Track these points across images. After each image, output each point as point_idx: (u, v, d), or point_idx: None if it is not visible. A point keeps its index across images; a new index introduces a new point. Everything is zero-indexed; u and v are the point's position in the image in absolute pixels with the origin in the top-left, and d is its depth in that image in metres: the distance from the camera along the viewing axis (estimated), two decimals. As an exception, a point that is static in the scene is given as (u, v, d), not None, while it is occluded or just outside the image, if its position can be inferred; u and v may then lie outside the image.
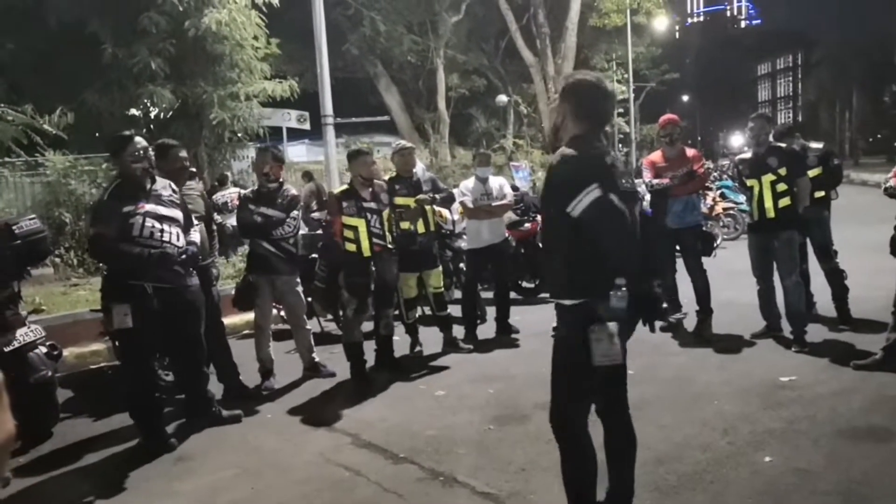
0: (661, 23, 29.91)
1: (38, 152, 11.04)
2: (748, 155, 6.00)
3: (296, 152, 21.92)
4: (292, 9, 12.98)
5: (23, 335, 4.56)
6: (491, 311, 6.92)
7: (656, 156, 6.46)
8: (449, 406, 4.82)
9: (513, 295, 7.33)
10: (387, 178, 6.16)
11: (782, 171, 5.60)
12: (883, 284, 5.39)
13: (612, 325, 2.57)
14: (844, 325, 6.10)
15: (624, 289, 2.54)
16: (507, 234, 6.97)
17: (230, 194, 10.25)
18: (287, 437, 4.44)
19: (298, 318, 5.68)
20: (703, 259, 6.27)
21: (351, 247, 5.44)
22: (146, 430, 4.35)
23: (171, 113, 12.03)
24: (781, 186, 5.61)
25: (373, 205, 5.47)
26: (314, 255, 6.75)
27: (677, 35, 78.90)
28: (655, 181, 6.18)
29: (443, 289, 6.42)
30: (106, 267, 4.67)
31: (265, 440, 4.41)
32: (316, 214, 9.26)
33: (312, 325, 6.73)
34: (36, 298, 7.44)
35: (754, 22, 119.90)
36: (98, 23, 11.24)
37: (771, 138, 5.91)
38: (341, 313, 6.25)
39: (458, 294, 7.49)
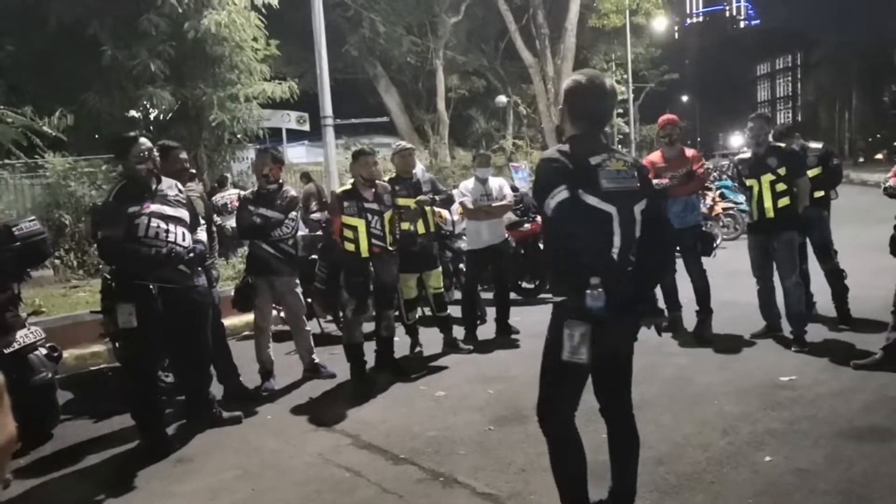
0: (660, 23, 29.95)
1: (37, 154, 11.04)
2: (748, 155, 6.01)
3: (295, 153, 21.91)
4: (291, 10, 12.99)
5: (23, 337, 4.56)
6: (491, 312, 6.92)
7: (656, 156, 6.47)
8: (449, 407, 4.82)
9: (513, 295, 7.33)
10: (386, 178, 6.16)
11: (782, 171, 5.60)
12: (883, 284, 5.39)
13: (582, 325, 2.61)
14: (844, 324, 6.11)
15: (599, 289, 2.56)
16: (506, 235, 6.97)
17: (230, 196, 10.25)
18: (287, 439, 4.44)
19: (298, 319, 5.68)
20: (703, 259, 6.27)
21: (350, 247, 5.44)
22: (147, 431, 4.35)
23: (170, 115, 12.05)
24: (781, 186, 5.61)
25: (374, 206, 5.47)
26: (314, 256, 6.75)
27: (676, 35, 79.04)
28: (655, 181, 6.17)
29: (443, 289, 6.42)
30: (108, 268, 4.67)
31: (265, 441, 4.41)
32: (315, 215, 9.26)
33: (312, 326, 6.73)
34: (36, 300, 7.46)
35: (753, 22, 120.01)
36: (98, 25, 11.24)
37: (770, 138, 5.92)
38: (341, 314, 6.26)
39: (458, 295, 7.50)
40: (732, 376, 5.01)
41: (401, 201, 5.86)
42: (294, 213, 5.57)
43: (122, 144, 4.36)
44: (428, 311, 6.84)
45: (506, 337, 6.60)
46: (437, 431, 4.32)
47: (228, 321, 6.17)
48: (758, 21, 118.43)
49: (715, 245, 6.97)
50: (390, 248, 5.56)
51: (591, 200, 2.64)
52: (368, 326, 6.04)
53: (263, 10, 12.17)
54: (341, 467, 3.90)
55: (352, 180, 5.63)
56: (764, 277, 5.90)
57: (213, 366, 5.10)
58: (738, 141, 45.08)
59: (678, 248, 6.35)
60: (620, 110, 33.50)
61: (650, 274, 2.83)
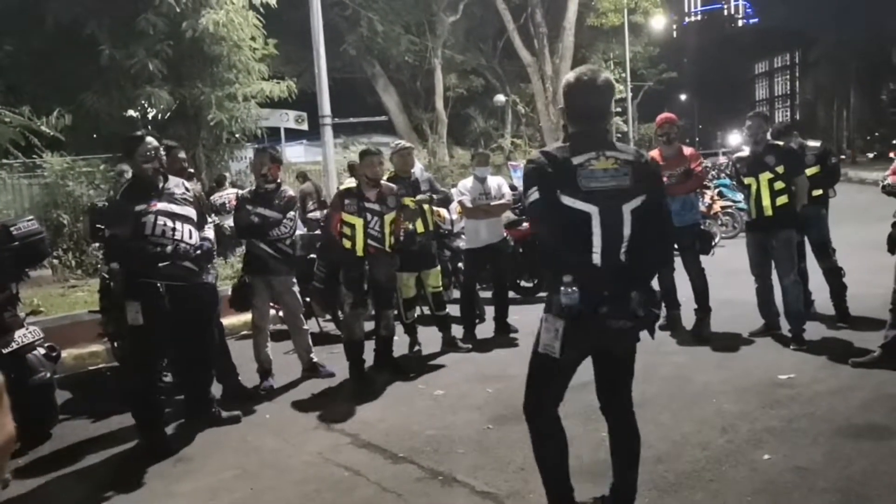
0: (658, 22, 29.95)
1: (35, 154, 11.03)
2: (746, 153, 6.01)
3: (294, 153, 21.91)
4: (290, 9, 12.98)
5: (21, 337, 4.56)
6: (489, 311, 6.93)
7: (654, 155, 6.46)
8: (448, 406, 4.82)
9: (511, 294, 7.33)
10: (385, 177, 6.16)
11: (780, 170, 5.60)
12: (881, 282, 5.40)
13: (557, 320, 2.66)
14: (843, 322, 6.12)
15: (573, 287, 2.58)
16: (505, 234, 6.97)
17: (228, 195, 10.23)
18: (286, 438, 4.43)
19: (296, 318, 5.68)
20: (702, 258, 6.28)
21: (347, 244, 5.44)
22: (146, 430, 4.36)
23: (168, 114, 12.02)
24: (779, 185, 5.61)
25: (376, 206, 5.45)
26: (312, 256, 6.75)
27: (675, 34, 79.10)
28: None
29: (441, 288, 6.43)
30: (107, 267, 4.68)
31: (264, 441, 4.41)
32: (314, 214, 9.26)
33: (311, 325, 6.74)
34: (34, 300, 7.45)
35: (752, 21, 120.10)
36: (95, 24, 11.22)
37: (769, 137, 5.92)
38: (340, 313, 6.25)
39: (456, 294, 7.50)
40: (731, 375, 5.02)
41: (399, 200, 5.86)
42: (292, 213, 5.57)
43: (129, 144, 4.39)
44: (427, 310, 6.84)
45: (504, 336, 6.60)
46: (435, 430, 4.33)
47: (227, 320, 6.17)
48: (756, 20, 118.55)
49: (713, 243, 6.98)
50: (387, 251, 5.55)
51: (568, 201, 2.65)
52: (368, 326, 6.05)
53: (261, 10, 12.15)
54: (340, 466, 3.90)
55: (350, 179, 5.63)
56: (762, 276, 5.90)
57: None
58: (736, 139, 45.10)
59: (677, 247, 6.36)
60: (619, 109, 33.54)
61: (640, 274, 2.77)
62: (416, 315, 6.47)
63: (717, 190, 13.07)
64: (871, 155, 46.88)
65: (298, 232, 6.23)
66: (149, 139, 4.35)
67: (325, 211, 7.79)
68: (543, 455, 2.92)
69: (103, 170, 11.14)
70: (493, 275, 6.93)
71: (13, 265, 4.62)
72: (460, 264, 7.59)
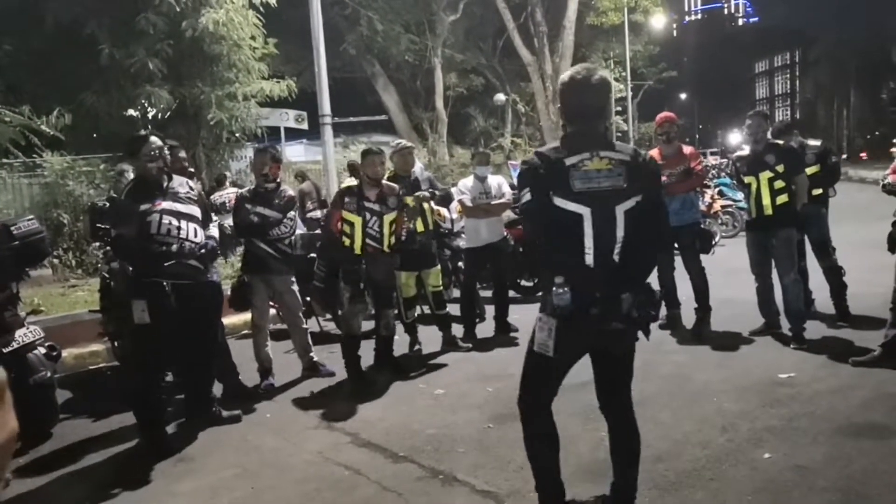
0: (658, 21, 29.96)
1: (35, 153, 11.03)
2: (746, 152, 6.01)
3: (294, 152, 21.90)
4: (289, 9, 12.98)
5: (21, 336, 4.56)
6: (490, 310, 6.93)
7: (653, 153, 6.46)
8: (448, 405, 4.83)
9: (511, 293, 7.34)
10: (385, 176, 6.15)
11: (780, 169, 5.60)
12: (881, 281, 5.40)
13: (550, 320, 2.68)
14: (843, 321, 6.12)
15: (565, 288, 2.60)
16: (505, 233, 6.97)
17: (228, 194, 10.23)
18: (287, 437, 4.44)
19: (295, 317, 5.69)
20: (702, 257, 6.28)
21: (347, 241, 5.44)
22: (147, 429, 4.36)
23: (168, 113, 12.02)
24: (779, 183, 5.61)
25: (376, 206, 5.45)
26: (312, 255, 6.75)
27: (675, 33, 79.08)
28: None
29: (441, 287, 6.43)
30: (107, 266, 4.68)
31: (265, 440, 4.41)
32: (315, 213, 9.26)
33: (311, 324, 6.74)
34: (34, 299, 7.46)
35: (752, 20, 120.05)
36: (95, 24, 11.22)
37: (769, 135, 5.92)
38: (340, 312, 6.25)
39: (456, 293, 7.49)
40: (731, 374, 5.02)
41: (399, 199, 5.87)
42: (292, 213, 5.58)
43: (133, 144, 4.41)
44: (427, 310, 6.84)
45: (505, 335, 6.60)
46: (436, 429, 4.33)
47: (227, 320, 6.17)
48: (756, 18, 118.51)
49: (713, 243, 6.98)
50: (385, 251, 5.55)
51: (560, 202, 2.65)
52: (368, 325, 6.05)
53: (261, 9, 12.15)
54: (341, 465, 3.90)
55: (351, 178, 5.63)
56: (763, 275, 5.90)
57: (211, 364, 5.10)
58: (736, 138, 45.08)
59: (677, 246, 6.36)
60: (619, 108, 33.53)
61: (634, 275, 2.75)
62: (416, 314, 6.48)
63: (717, 189, 13.08)
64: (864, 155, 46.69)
65: (298, 231, 6.23)
66: (153, 139, 4.38)
67: (324, 210, 7.79)
68: (536, 453, 2.94)
69: (103, 169, 11.14)
70: (494, 274, 6.93)
71: (13, 264, 4.62)
72: (460, 263, 7.59)
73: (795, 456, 3.59)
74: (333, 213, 5.57)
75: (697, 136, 72.13)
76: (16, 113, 10.07)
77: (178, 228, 4.33)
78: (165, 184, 4.40)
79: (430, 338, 6.38)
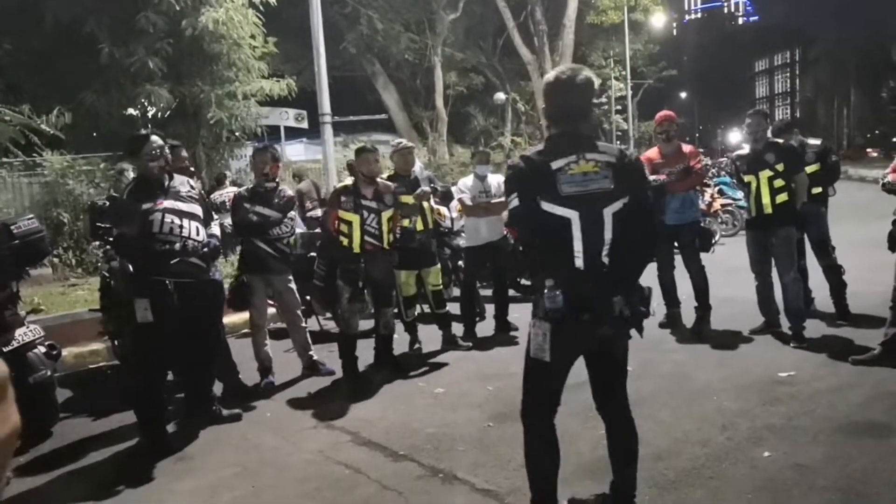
0: (658, 20, 29.97)
1: (35, 152, 11.03)
2: (746, 151, 6.01)
3: (294, 151, 21.89)
4: (289, 7, 12.99)
5: (22, 335, 4.57)
6: (490, 309, 6.93)
7: (653, 152, 6.48)
8: (448, 404, 4.83)
9: (511, 292, 7.33)
10: (385, 175, 6.16)
11: (780, 168, 5.61)
12: (881, 280, 5.40)
13: (545, 324, 2.66)
14: (843, 320, 6.12)
15: (557, 291, 2.59)
16: (505, 232, 6.96)
17: (228, 193, 10.24)
18: (286, 436, 4.44)
19: (294, 316, 5.69)
20: (702, 255, 6.28)
21: (344, 240, 5.44)
22: (148, 428, 4.36)
23: (168, 112, 12.02)
24: (779, 182, 5.61)
25: (373, 204, 5.45)
26: (312, 254, 6.75)
27: (675, 32, 79.05)
28: (652, 177, 6.18)
29: (441, 286, 6.43)
30: (107, 265, 4.68)
31: (265, 439, 4.41)
32: (315, 212, 9.24)
33: (311, 323, 6.74)
34: (34, 298, 7.45)
35: (752, 18, 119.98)
36: (95, 23, 11.23)
37: (769, 134, 5.92)
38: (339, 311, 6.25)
39: (456, 292, 7.50)
40: (731, 372, 5.02)
41: (399, 199, 5.86)
42: (293, 213, 5.58)
43: (135, 143, 4.41)
44: (427, 308, 6.84)
45: (505, 334, 6.60)
46: (436, 428, 4.33)
47: (227, 318, 6.16)
48: (756, 17, 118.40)
49: (713, 241, 6.98)
50: (385, 248, 5.55)
51: (547, 206, 2.63)
52: (368, 324, 6.05)
53: (261, 8, 12.15)
54: (341, 464, 3.90)
55: (350, 177, 5.63)
56: (762, 273, 5.90)
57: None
58: (736, 137, 45.08)
59: (677, 245, 6.37)
60: (619, 107, 33.55)
61: (618, 278, 2.73)
62: (416, 313, 6.48)
63: (717, 188, 13.08)
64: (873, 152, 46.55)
65: (298, 230, 6.23)
66: (154, 138, 4.39)
67: (324, 209, 7.77)
68: (535, 460, 2.91)
69: (103, 168, 11.15)
70: (494, 273, 6.93)
71: (13, 263, 4.62)
72: (460, 262, 7.60)
73: (795, 454, 3.60)
74: (330, 213, 5.56)
75: (697, 135, 72.10)
76: (16, 112, 10.07)
77: (181, 227, 4.34)
78: (167, 183, 4.41)
79: (429, 336, 6.38)
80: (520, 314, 6.83)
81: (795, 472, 3.40)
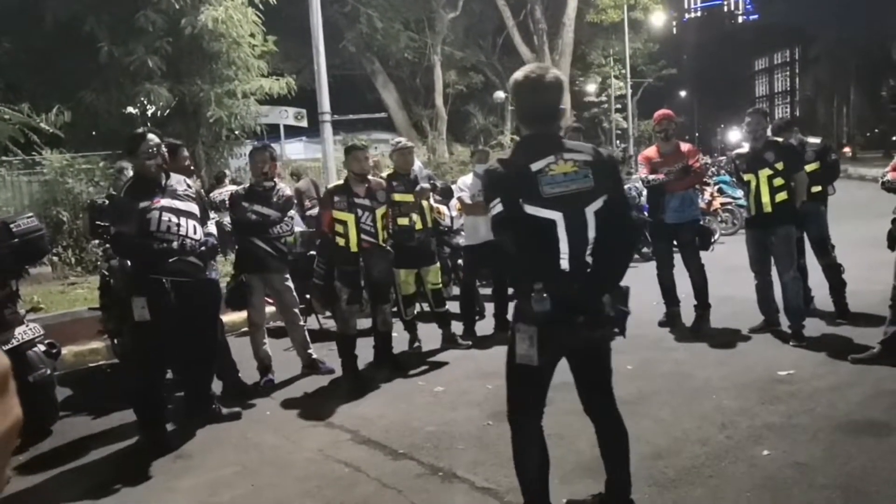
0: (658, 18, 29.97)
1: (35, 151, 11.04)
2: (745, 150, 6.01)
3: (293, 150, 21.89)
4: (289, 6, 12.97)
5: (21, 333, 4.57)
6: (489, 308, 6.93)
7: (651, 151, 6.48)
8: (448, 402, 4.83)
9: (511, 291, 7.33)
10: (384, 174, 6.15)
11: (779, 166, 5.60)
12: (880, 279, 5.40)
13: (531, 328, 2.62)
14: (842, 319, 6.12)
15: (543, 293, 2.55)
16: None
17: (227, 192, 10.24)
18: (286, 434, 4.44)
19: (293, 314, 5.69)
20: (702, 254, 6.28)
21: (340, 241, 5.44)
22: (148, 427, 4.36)
23: (168, 111, 12.03)
24: (778, 181, 5.61)
25: (366, 201, 5.45)
26: (312, 253, 6.75)
27: (674, 31, 78.98)
28: (652, 177, 6.19)
29: (441, 285, 6.42)
30: (106, 264, 4.68)
31: (264, 437, 4.41)
32: (313, 212, 9.23)
33: (311, 322, 6.74)
34: (34, 297, 7.45)
35: (752, 17, 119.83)
36: (94, 21, 11.22)
37: (769, 133, 5.92)
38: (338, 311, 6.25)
39: (456, 290, 7.49)
40: (731, 371, 5.02)
41: (399, 197, 5.86)
42: (292, 212, 5.58)
43: (132, 142, 4.40)
44: (426, 307, 6.84)
45: (504, 332, 6.51)
46: (435, 427, 4.33)
47: (227, 317, 6.17)
48: (756, 16, 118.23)
49: (713, 240, 6.98)
50: (381, 245, 5.55)
51: (531, 210, 2.59)
52: (366, 323, 6.05)
53: (260, 6, 12.15)
54: (341, 463, 3.90)
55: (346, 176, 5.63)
56: (762, 272, 5.90)
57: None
58: (735, 136, 45.06)
59: (676, 243, 6.37)
60: (619, 106, 33.56)
61: (604, 277, 2.72)
62: (415, 312, 6.48)
63: (716, 186, 13.08)
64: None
65: (298, 229, 6.22)
66: (150, 136, 4.37)
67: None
68: (524, 461, 2.88)
69: (102, 167, 11.15)
70: (493, 272, 6.93)
71: (13, 262, 4.62)
72: (460, 261, 7.60)
73: (795, 453, 3.60)
74: (324, 214, 5.56)
75: (697, 134, 72.07)
76: (15, 111, 10.07)
77: (178, 226, 4.34)
78: (164, 181, 4.40)
79: (429, 335, 6.38)
80: (519, 313, 6.83)
81: (795, 471, 3.41)
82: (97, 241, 6.55)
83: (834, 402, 4.28)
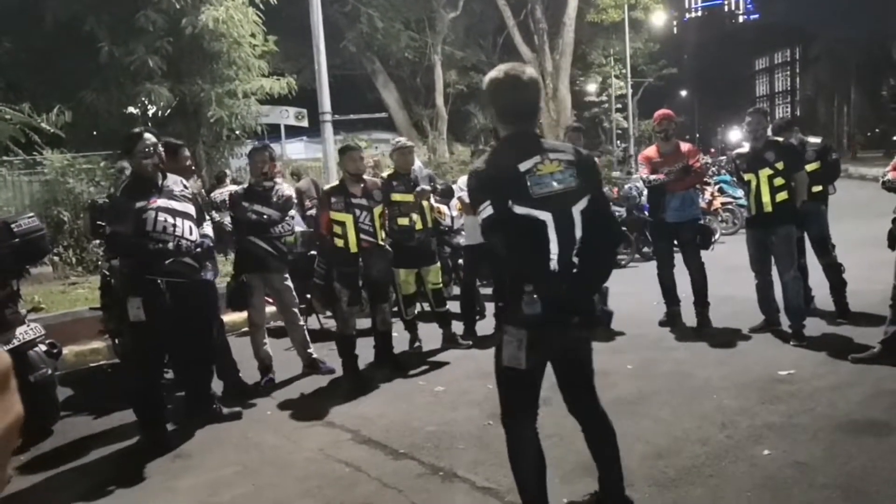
0: (658, 18, 29.92)
1: (35, 151, 11.02)
2: (746, 149, 6.01)
3: (294, 149, 21.91)
4: (289, 6, 12.96)
5: (22, 333, 4.57)
6: (490, 308, 6.90)
7: (651, 151, 6.48)
8: (448, 402, 4.83)
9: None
10: (385, 174, 6.15)
11: (780, 166, 5.60)
12: (881, 278, 5.40)
13: (519, 331, 2.60)
14: (842, 318, 6.12)
15: (535, 295, 2.53)
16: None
17: (228, 192, 10.24)
18: (287, 434, 4.44)
19: (292, 314, 5.69)
20: (702, 253, 6.28)
21: (339, 242, 5.44)
22: (148, 427, 4.37)
23: (168, 111, 12.03)
24: (779, 181, 5.61)
25: (363, 201, 5.45)
26: (313, 252, 6.75)
27: (675, 30, 78.96)
28: (652, 177, 6.19)
29: (441, 285, 6.43)
30: (107, 264, 4.68)
31: (265, 437, 4.42)
32: (313, 211, 9.24)
33: (312, 322, 6.74)
34: (35, 297, 7.44)
35: (752, 17, 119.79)
36: (95, 21, 11.22)
37: (769, 132, 5.92)
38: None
39: (456, 290, 7.49)
40: (731, 371, 5.02)
41: (399, 197, 5.87)
42: (292, 212, 5.58)
43: (128, 141, 4.39)
44: (427, 307, 6.84)
45: (505, 332, 6.58)
46: (436, 426, 4.33)
47: (227, 317, 6.17)
48: (756, 15, 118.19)
49: (713, 239, 6.98)
50: (380, 244, 5.55)
51: (522, 210, 2.56)
52: (366, 323, 6.05)
53: (261, 6, 12.14)
54: (341, 462, 3.90)
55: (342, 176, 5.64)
56: (762, 272, 5.90)
57: (211, 362, 5.10)
58: (736, 136, 45.05)
59: (676, 243, 6.37)
60: (619, 105, 33.54)
61: (591, 277, 2.72)
62: (416, 311, 6.48)
63: (717, 186, 13.08)
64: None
65: (299, 229, 6.22)
66: (147, 135, 4.36)
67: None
68: (521, 465, 2.86)
69: (103, 166, 11.15)
70: (494, 271, 6.91)
71: (14, 262, 4.62)
72: (460, 261, 7.59)
73: (795, 452, 3.60)
74: (322, 216, 5.56)
75: (698, 134, 72.04)
76: (16, 110, 10.06)
77: (174, 226, 4.33)
78: (161, 181, 4.39)
79: (430, 335, 6.39)
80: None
81: (795, 470, 3.41)
82: (98, 241, 6.56)
83: (834, 401, 4.28)
